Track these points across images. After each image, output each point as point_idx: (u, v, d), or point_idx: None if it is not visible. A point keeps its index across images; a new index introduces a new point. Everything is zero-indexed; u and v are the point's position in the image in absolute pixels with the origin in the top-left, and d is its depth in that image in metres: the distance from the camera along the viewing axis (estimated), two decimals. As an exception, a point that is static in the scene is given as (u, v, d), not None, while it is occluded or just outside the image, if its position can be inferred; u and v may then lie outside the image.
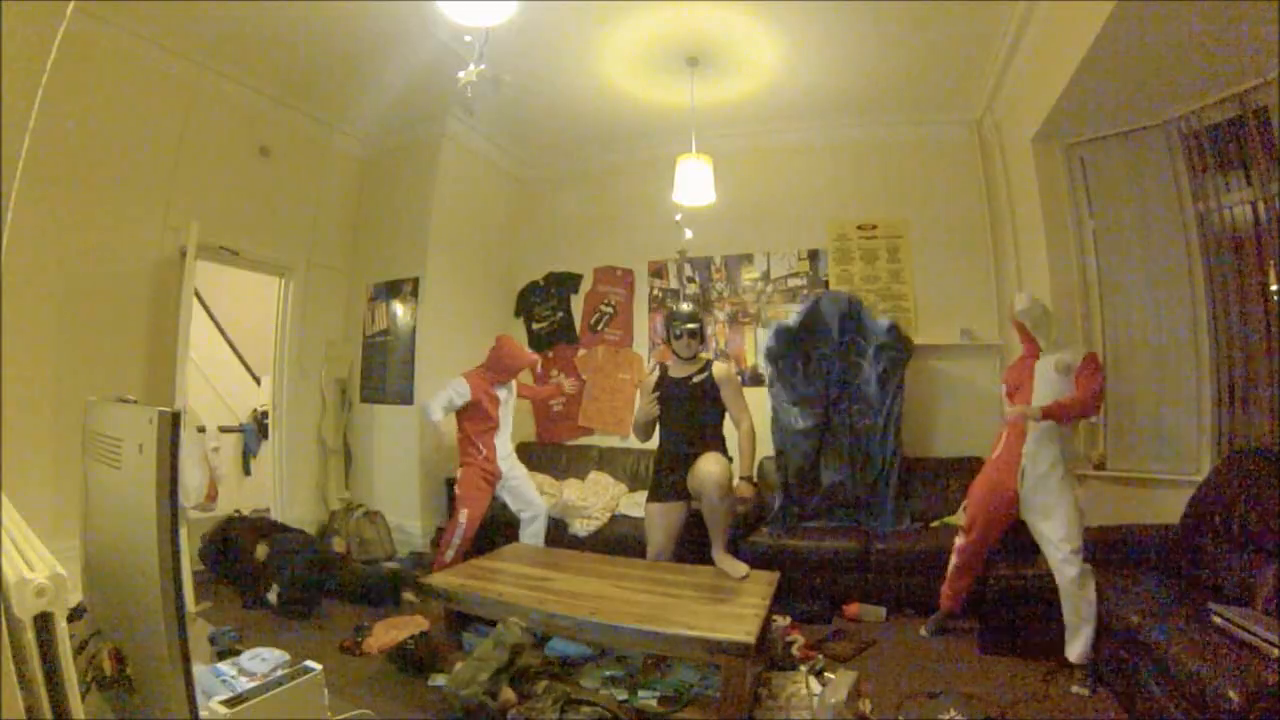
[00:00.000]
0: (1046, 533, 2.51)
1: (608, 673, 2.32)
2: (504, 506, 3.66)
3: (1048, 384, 2.62)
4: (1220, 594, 2.16)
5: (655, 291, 4.74)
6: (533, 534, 3.57)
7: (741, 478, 2.87)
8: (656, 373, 3.16)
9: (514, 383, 3.81)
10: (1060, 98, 2.92)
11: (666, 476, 3.01)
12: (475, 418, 3.56)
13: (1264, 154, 2.64)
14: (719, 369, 3.02)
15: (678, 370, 3.07)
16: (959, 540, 2.81)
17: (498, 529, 3.68)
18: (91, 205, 3.11)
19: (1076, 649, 2.37)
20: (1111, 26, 2.36)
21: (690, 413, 3.00)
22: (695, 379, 3.00)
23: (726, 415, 3.05)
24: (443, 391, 3.56)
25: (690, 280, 4.64)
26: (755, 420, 3.02)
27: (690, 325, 3.03)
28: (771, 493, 3.67)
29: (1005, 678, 2.41)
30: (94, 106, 3.06)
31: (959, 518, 2.95)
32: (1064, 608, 2.41)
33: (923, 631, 2.89)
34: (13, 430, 2.67)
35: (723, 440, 3.03)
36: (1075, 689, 2.28)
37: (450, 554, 3.37)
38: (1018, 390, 2.76)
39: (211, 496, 3.42)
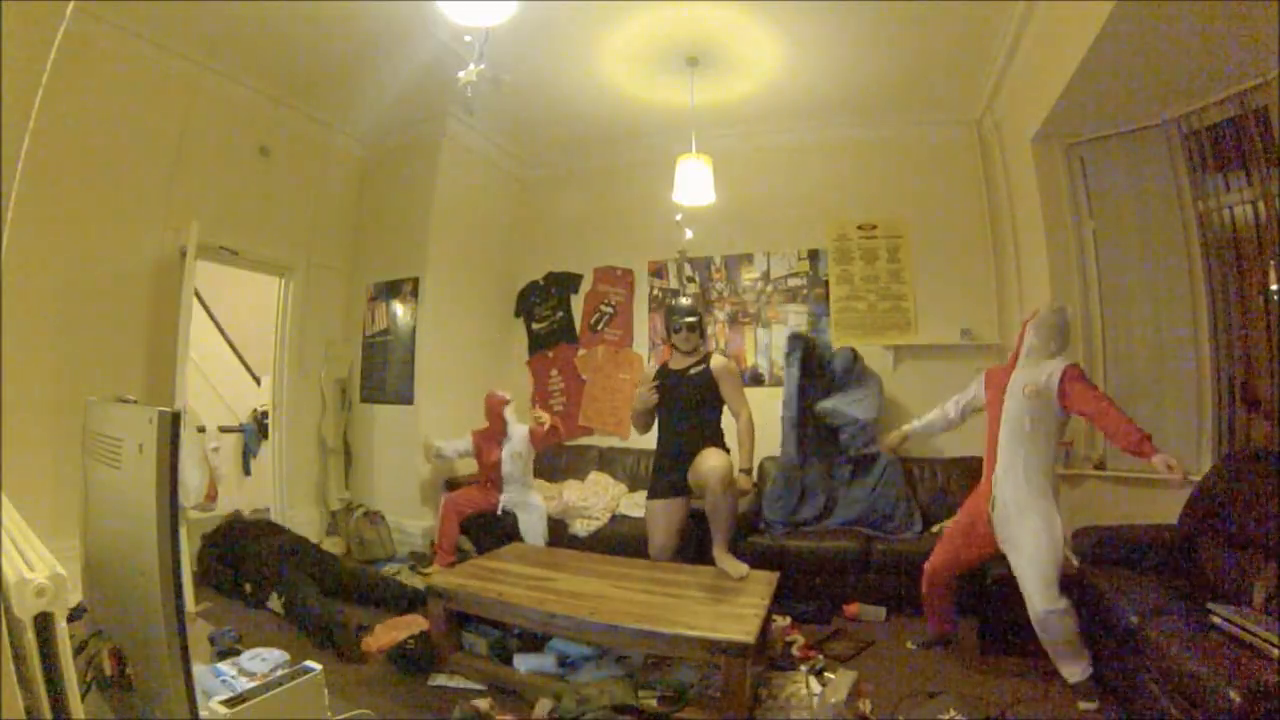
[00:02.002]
0: (1016, 566, 2.34)
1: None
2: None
3: (1018, 402, 2.42)
4: (1219, 594, 2.16)
5: (655, 291, 4.73)
6: (536, 535, 3.60)
7: (741, 470, 2.86)
8: (656, 365, 3.19)
9: (524, 433, 3.83)
10: (1060, 98, 2.91)
11: (666, 473, 3.00)
12: (481, 467, 3.95)
13: (1264, 154, 2.64)
14: (717, 361, 3.01)
15: (677, 363, 3.08)
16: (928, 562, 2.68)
17: (499, 529, 3.69)
18: (91, 205, 3.10)
19: (1072, 672, 2.24)
20: (1111, 26, 2.36)
21: (688, 405, 2.99)
22: (693, 370, 3.00)
23: (725, 410, 3.04)
24: (457, 441, 4.07)
25: (690, 280, 4.64)
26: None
27: (689, 319, 3.03)
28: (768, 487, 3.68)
29: (1005, 678, 2.41)
30: (94, 106, 3.06)
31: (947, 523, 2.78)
32: (1042, 641, 2.26)
33: (910, 645, 2.77)
34: (13, 430, 2.67)
35: (722, 435, 3.02)
36: (1083, 705, 2.19)
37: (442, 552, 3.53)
38: (990, 405, 2.58)
39: (211, 496, 3.42)
